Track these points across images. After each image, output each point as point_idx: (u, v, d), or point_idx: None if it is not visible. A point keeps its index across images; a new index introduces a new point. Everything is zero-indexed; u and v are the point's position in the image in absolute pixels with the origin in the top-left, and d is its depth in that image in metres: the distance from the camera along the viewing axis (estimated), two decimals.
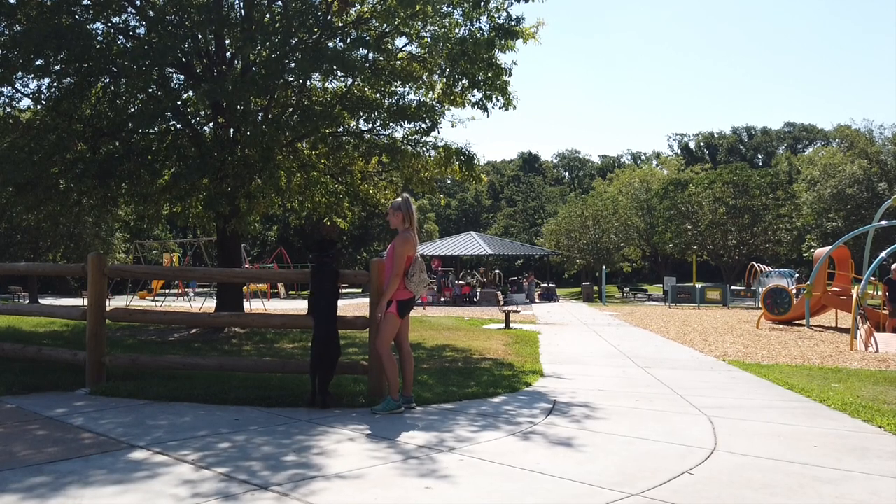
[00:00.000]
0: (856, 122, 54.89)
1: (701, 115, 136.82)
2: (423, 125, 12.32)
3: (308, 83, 13.22)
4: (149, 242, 33.86)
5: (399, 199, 5.88)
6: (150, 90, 11.70)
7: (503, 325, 15.76)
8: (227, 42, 12.34)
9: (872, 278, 16.94)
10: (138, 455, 4.29)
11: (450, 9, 11.73)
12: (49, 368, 7.29)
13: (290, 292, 40.58)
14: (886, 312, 14.33)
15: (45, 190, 11.81)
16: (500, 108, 12.51)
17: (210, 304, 23.31)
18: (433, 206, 71.97)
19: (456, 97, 13.00)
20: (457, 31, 11.88)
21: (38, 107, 12.74)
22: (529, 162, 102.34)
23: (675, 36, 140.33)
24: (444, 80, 12.66)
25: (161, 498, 3.50)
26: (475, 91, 12.47)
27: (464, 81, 12.20)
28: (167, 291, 37.94)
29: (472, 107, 12.86)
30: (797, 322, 18.08)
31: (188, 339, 11.88)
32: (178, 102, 11.85)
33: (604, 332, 15.23)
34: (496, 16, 11.94)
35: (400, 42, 12.90)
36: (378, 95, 12.65)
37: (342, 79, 12.94)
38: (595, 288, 40.10)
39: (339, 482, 3.81)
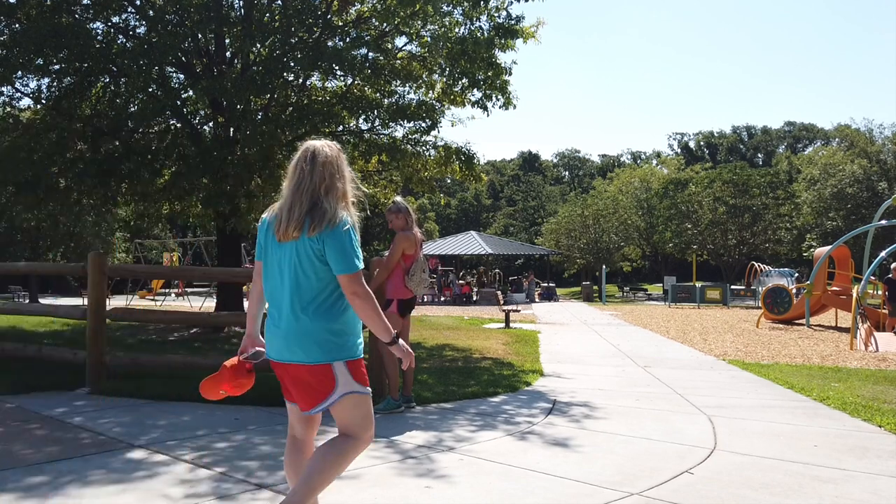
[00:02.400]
0: (856, 121, 54.96)
1: (701, 114, 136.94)
2: (423, 124, 12.32)
3: (308, 82, 13.22)
4: (149, 242, 33.86)
5: (398, 199, 5.89)
6: (150, 89, 11.70)
7: (503, 325, 15.75)
8: (227, 41, 12.33)
9: (872, 278, 16.94)
10: (137, 454, 4.29)
11: (450, 8, 11.72)
12: (49, 368, 7.28)
13: None
14: (886, 312, 14.33)
15: (45, 189, 11.80)
16: (500, 107, 12.52)
17: (210, 304, 23.30)
18: (433, 205, 71.99)
19: (456, 96, 12.99)
20: (457, 30, 11.87)
21: (38, 106, 12.74)
22: (529, 161, 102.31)
23: (676, 35, 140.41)
24: (444, 79, 12.66)
25: (159, 497, 3.50)
26: (475, 90, 12.47)
27: (464, 81, 12.19)
28: (167, 291, 37.92)
29: (472, 106, 12.88)
30: (797, 321, 18.07)
31: (188, 339, 11.88)
32: (178, 101, 11.85)
33: (604, 331, 15.22)
34: (496, 15, 11.94)
35: (400, 41, 12.90)
36: (378, 95, 12.64)
37: (342, 78, 12.94)
38: (595, 287, 40.09)
39: (337, 482, 3.80)
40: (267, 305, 2.82)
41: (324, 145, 2.77)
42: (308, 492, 2.65)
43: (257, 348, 2.88)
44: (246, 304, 3.45)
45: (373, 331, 2.63)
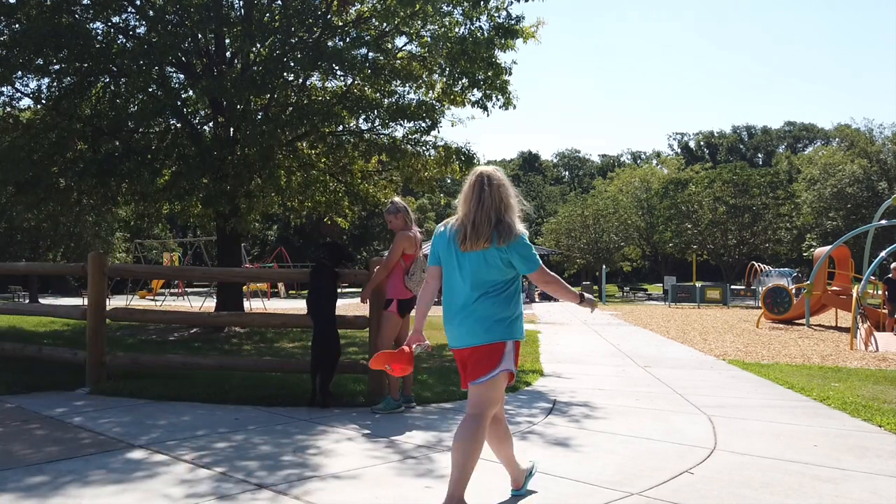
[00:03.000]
0: (856, 121, 54.97)
1: (701, 114, 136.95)
2: (423, 124, 12.32)
3: (308, 82, 13.22)
4: (149, 242, 33.84)
5: (397, 200, 5.90)
6: (150, 89, 11.70)
7: None
8: (227, 41, 12.34)
9: (872, 277, 16.94)
10: (137, 454, 4.29)
11: (450, 8, 11.73)
12: (49, 368, 7.29)
13: (291, 292, 40.57)
14: (886, 312, 14.33)
15: (45, 189, 11.81)
16: (500, 107, 12.52)
17: (210, 304, 23.31)
18: (433, 205, 71.88)
19: (456, 96, 12.99)
20: (457, 30, 11.87)
21: (38, 106, 12.74)
22: (529, 161, 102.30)
23: (676, 35, 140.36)
24: (444, 79, 12.66)
25: (159, 497, 3.50)
26: (475, 90, 12.47)
27: (464, 80, 12.19)
28: (167, 291, 37.92)
29: (472, 106, 12.87)
30: (797, 321, 18.07)
31: (188, 339, 11.88)
32: (178, 101, 11.85)
33: (604, 331, 15.22)
34: (496, 15, 11.94)
35: (400, 41, 12.90)
36: (378, 95, 12.64)
37: (342, 78, 12.94)
38: (595, 287, 40.10)
39: (336, 482, 3.81)
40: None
41: (494, 170, 3.32)
42: (516, 466, 3.61)
43: (426, 342, 3.37)
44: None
45: (564, 298, 3.42)
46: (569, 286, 3.41)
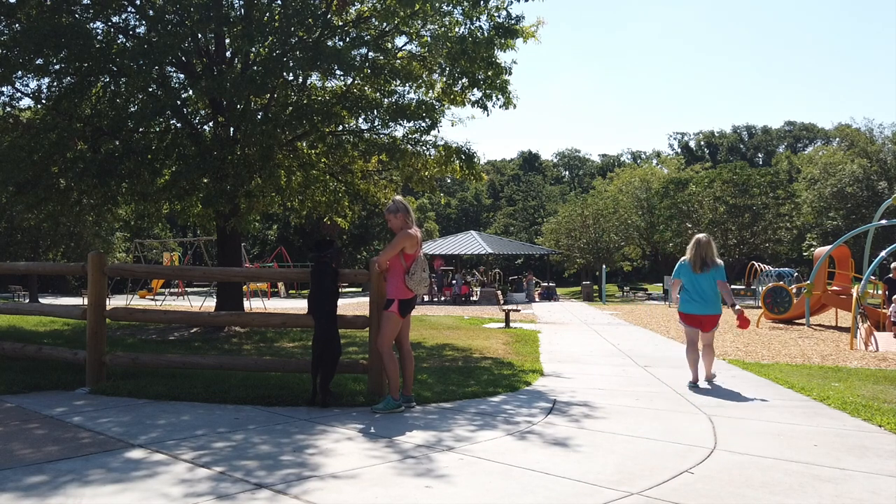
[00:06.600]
0: (856, 121, 54.72)
1: (701, 113, 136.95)
2: (423, 124, 12.32)
3: (307, 82, 13.22)
4: (149, 241, 33.84)
5: (398, 198, 5.89)
6: (150, 89, 11.69)
7: (503, 325, 15.75)
8: (227, 41, 12.33)
9: (872, 277, 16.92)
10: (137, 454, 4.29)
11: (449, 8, 11.73)
12: (49, 367, 7.29)
13: (291, 291, 40.57)
14: (886, 311, 14.31)
15: (45, 189, 11.81)
16: (500, 106, 12.53)
17: (210, 304, 23.31)
18: (433, 205, 72.01)
19: (456, 96, 12.99)
20: (457, 29, 11.88)
21: (39, 106, 12.74)
22: (529, 161, 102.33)
23: (676, 35, 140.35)
24: (444, 78, 12.66)
25: (158, 496, 3.50)
26: (475, 90, 12.48)
27: (464, 80, 12.20)
28: (167, 290, 37.91)
29: (472, 106, 12.89)
30: (797, 321, 18.06)
31: (188, 338, 11.88)
32: (178, 101, 11.84)
33: (604, 331, 15.22)
34: (496, 15, 11.95)
35: (400, 41, 12.91)
36: (378, 94, 12.64)
37: (341, 78, 12.94)
38: (595, 287, 40.08)
39: (336, 481, 3.81)
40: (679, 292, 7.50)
41: (704, 234, 7.47)
42: (712, 367, 7.52)
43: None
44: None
45: (727, 298, 7.33)
46: (731, 293, 7.44)
